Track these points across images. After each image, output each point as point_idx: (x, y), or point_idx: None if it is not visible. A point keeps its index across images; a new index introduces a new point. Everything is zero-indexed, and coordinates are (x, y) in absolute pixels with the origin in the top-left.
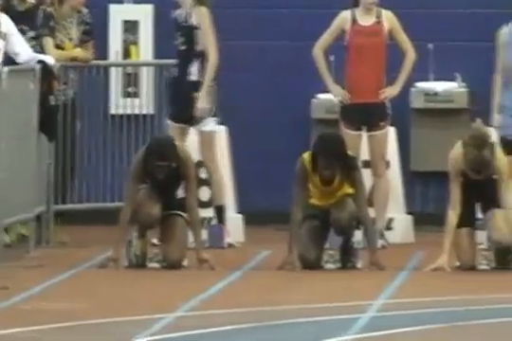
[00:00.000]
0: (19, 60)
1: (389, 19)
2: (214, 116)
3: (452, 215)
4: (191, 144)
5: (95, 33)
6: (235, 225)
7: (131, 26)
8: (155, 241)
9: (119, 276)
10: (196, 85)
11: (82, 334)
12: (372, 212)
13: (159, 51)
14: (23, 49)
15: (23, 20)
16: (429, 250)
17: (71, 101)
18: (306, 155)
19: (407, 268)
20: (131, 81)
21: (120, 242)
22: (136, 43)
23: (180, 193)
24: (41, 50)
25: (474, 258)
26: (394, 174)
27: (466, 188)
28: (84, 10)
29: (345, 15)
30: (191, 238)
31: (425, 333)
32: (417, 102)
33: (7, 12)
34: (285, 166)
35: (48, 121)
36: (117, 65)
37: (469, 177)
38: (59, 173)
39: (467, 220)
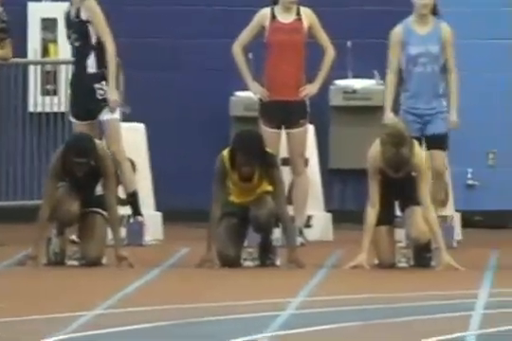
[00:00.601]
0: None
1: (308, 16)
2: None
3: (371, 213)
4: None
5: (12, 31)
6: (154, 223)
7: (50, 24)
8: (74, 238)
9: (38, 273)
10: (96, 77)
11: None
12: (291, 210)
13: None
14: None
15: None
16: (348, 248)
17: None
18: (225, 153)
19: (326, 266)
20: (50, 79)
21: (39, 240)
22: (54, 41)
23: (99, 191)
24: None
25: (393, 255)
26: (313, 172)
27: (385, 186)
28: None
29: (265, 12)
30: (110, 235)
31: (343, 331)
32: (336, 100)
33: None
34: (204, 163)
35: None
36: (35, 63)
37: (388, 175)
38: None
39: (386, 218)
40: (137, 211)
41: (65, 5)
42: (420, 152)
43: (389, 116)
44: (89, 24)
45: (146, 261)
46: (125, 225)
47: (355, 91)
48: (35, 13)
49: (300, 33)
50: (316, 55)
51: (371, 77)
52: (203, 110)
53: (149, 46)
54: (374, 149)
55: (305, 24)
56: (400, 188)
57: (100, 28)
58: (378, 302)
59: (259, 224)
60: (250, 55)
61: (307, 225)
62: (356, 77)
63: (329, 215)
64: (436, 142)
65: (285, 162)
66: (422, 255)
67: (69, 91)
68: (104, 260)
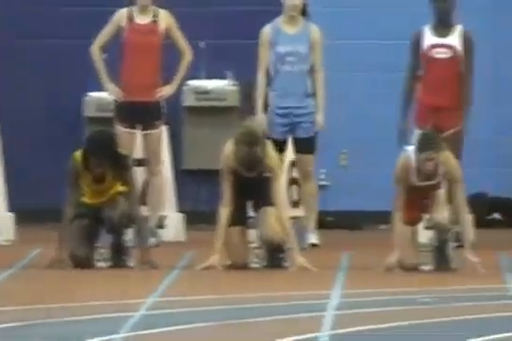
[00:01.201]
0: None
1: (165, 18)
2: None
3: (224, 213)
4: None
5: None
6: (6, 224)
7: None
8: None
9: None
10: None
11: None
12: (144, 210)
13: None
14: None
15: None
16: (201, 248)
17: None
18: (77, 154)
19: (178, 267)
20: None
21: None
22: None
23: None
24: None
25: (246, 256)
26: (167, 173)
27: (238, 187)
28: None
29: (122, 13)
30: None
31: (195, 332)
32: (189, 100)
33: None
34: (58, 164)
35: None
36: None
37: (241, 175)
38: None
39: (239, 218)
40: None
41: None
42: (274, 155)
43: (260, 117)
44: None
45: None
46: None
47: (207, 91)
48: None
49: (156, 35)
50: (174, 56)
51: (224, 77)
52: (56, 110)
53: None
54: (228, 148)
55: (162, 25)
56: (253, 189)
57: None
58: (231, 303)
59: (112, 225)
60: (105, 56)
61: (160, 226)
62: (209, 78)
63: (182, 216)
64: (305, 145)
65: (141, 163)
66: (275, 255)
67: None
68: None
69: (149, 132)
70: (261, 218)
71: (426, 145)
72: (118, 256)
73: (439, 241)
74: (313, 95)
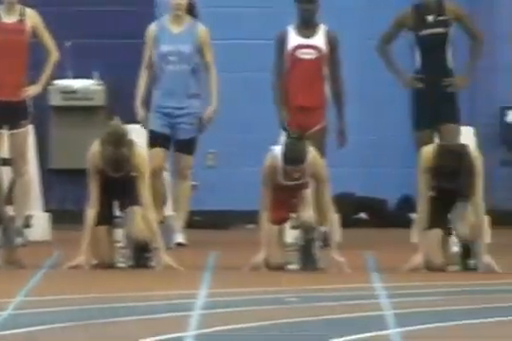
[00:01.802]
0: None
1: (32, 17)
2: None
3: (91, 213)
4: None
5: None
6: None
7: None
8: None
9: None
10: None
11: None
12: (11, 210)
13: None
14: None
15: None
16: (68, 248)
17: None
18: None
19: (45, 266)
20: None
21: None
22: None
23: None
24: None
25: (112, 255)
26: (33, 172)
27: (105, 186)
28: None
29: None
30: None
31: (59, 331)
32: (55, 100)
33: None
34: None
35: None
36: None
37: (108, 174)
38: None
39: (106, 217)
40: None
41: None
42: (142, 154)
43: (141, 114)
44: None
45: None
46: None
47: (74, 91)
48: None
49: (22, 34)
50: (41, 55)
51: (90, 77)
52: None
53: None
54: (94, 148)
55: (29, 24)
56: (120, 188)
57: None
58: (97, 302)
59: None
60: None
61: (27, 226)
62: (76, 77)
63: (48, 215)
64: (184, 146)
65: (7, 162)
66: (141, 255)
67: None
68: None
69: (15, 131)
70: (127, 217)
71: (293, 159)
72: None
73: (305, 240)
74: (197, 95)
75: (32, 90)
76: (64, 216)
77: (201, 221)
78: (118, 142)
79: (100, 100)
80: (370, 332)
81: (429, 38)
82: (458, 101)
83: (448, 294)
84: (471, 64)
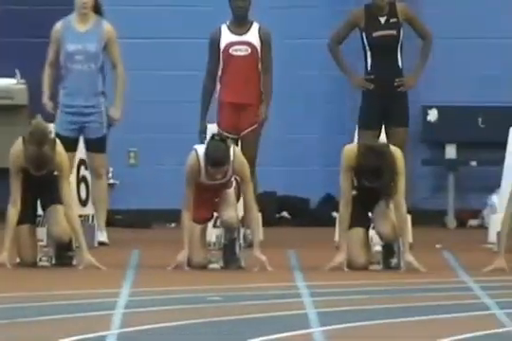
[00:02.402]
0: None
1: None
2: None
3: (13, 212)
4: None
5: None
6: None
7: None
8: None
9: None
10: None
11: None
12: None
13: None
14: None
15: None
16: None
17: None
18: None
19: None
20: None
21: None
22: None
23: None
24: None
25: (35, 254)
26: None
27: (28, 185)
28: None
29: None
30: None
31: None
32: None
33: None
34: None
35: None
36: None
37: (31, 173)
38: None
39: (28, 216)
40: None
41: None
42: (64, 153)
43: (49, 105)
44: None
45: None
46: None
47: None
48: None
49: None
50: None
51: (12, 76)
52: None
53: None
54: (17, 147)
55: None
56: (43, 187)
57: None
58: (19, 301)
59: None
60: None
61: None
62: None
63: None
64: (95, 145)
65: None
66: (63, 253)
67: None
68: None
69: None
70: (49, 216)
71: (215, 161)
72: None
73: (227, 239)
74: (103, 93)
75: None
76: None
77: (123, 219)
78: (41, 141)
79: (22, 99)
80: (292, 330)
81: (381, 39)
82: (407, 102)
83: (371, 293)
84: (421, 64)
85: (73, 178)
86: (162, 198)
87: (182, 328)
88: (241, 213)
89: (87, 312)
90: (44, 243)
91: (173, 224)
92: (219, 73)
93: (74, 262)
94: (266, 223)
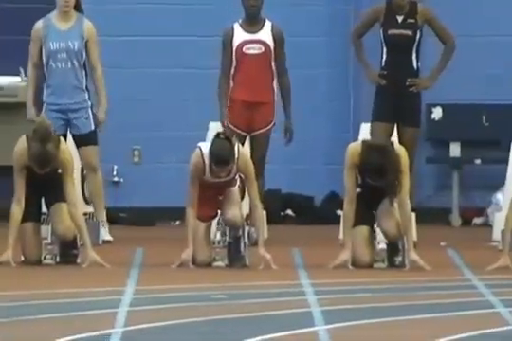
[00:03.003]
0: None
1: None
2: None
3: (17, 210)
4: None
5: None
6: None
7: None
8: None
9: None
10: None
11: None
12: None
13: None
14: None
15: None
16: None
17: None
18: None
19: None
20: None
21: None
22: None
23: None
24: None
25: (39, 252)
26: None
27: (32, 183)
28: None
29: None
30: None
31: None
32: None
33: None
34: None
35: None
36: None
37: (35, 171)
38: None
39: (33, 214)
40: None
41: None
42: (68, 150)
43: (31, 112)
44: None
45: None
46: None
47: (1, 88)
48: None
49: None
50: None
51: (17, 74)
52: None
53: None
54: (21, 145)
55: None
56: (47, 185)
57: None
58: (24, 299)
59: None
60: None
61: None
62: (2, 74)
63: None
64: (84, 140)
65: None
66: (68, 251)
67: None
68: None
69: None
70: (54, 214)
71: (220, 160)
72: None
73: (232, 237)
74: (86, 89)
75: None
76: None
77: (127, 217)
78: (45, 139)
79: (25, 97)
80: (297, 329)
81: (395, 38)
82: (419, 103)
83: (375, 291)
84: (439, 68)
85: (77, 176)
86: (166, 196)
87: (186, 325)
88: (245, 211)
89: (91, 310)
90: (48, 241)
91: (177, 222)
92: (232, 71)
93: (78, 260)
94: (271, 221)
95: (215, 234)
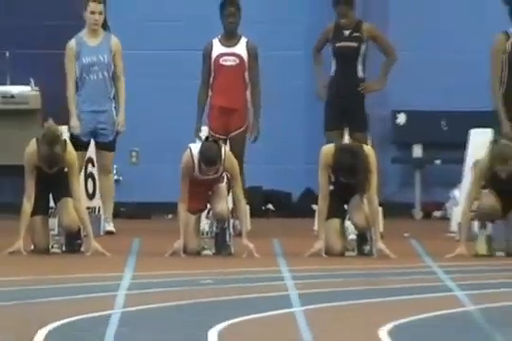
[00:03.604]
0: None
1: None
2: None
3: (27, 205)
4: None
5: None
6: None
7: None
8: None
9: None
10: None
11: None
12: None
13: None
14: None
15: None
16: (7, 235)
17: None
18: None
19: None
20: None
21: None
22: None
23: None
24: None
25: (47, 242)
26: None
27: (41, 181)
28: None
29: None
30: None
31: None
32: None
33: None
34: None
35: None
36: None
37: (44, 170)
38: None
39: (42, 208)
40: None
41: None
42: (73, 151)
43: (73, 122)
44: None
45: None
46: None
47: (12, 96)
48: None
49: None
50: None
51: (27, 83)
52: None
53: None
54: (31, 148)
55: None
56: (54, 183)
57: None
58: (33, 284)
59: None
60: None
61: None
62: (13, 83)
63: None
64: (107, 146)
65: None
66: (73, 241)
67: None
68: None
69: None
70: (60, 208)
71: (208, 161)
72: None
73: (219, 229)
74: (113, 98)
75: None
76: (2, 207)
77: (126, 211)
78: (53, 142)
79: (35, 104)
80: (276, 310)
81: (342, 49)
82: (364, 108)
83: (346, 276)
84: (383, 73)
85: (81, 174)
86: (161, 192)
87: (177, 307)
88: (231, 205)
89: (94, 293)
90: (55, 232)
91: (170, 216)
92: (211, 81)
93: (82, 249)
94: (253, 214)
95: (204, 225)
